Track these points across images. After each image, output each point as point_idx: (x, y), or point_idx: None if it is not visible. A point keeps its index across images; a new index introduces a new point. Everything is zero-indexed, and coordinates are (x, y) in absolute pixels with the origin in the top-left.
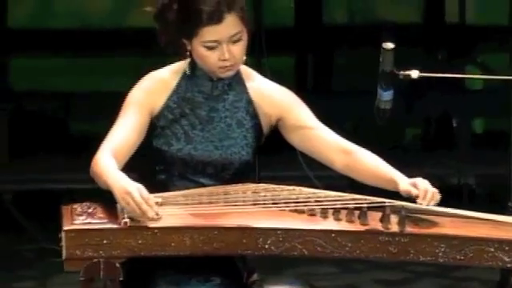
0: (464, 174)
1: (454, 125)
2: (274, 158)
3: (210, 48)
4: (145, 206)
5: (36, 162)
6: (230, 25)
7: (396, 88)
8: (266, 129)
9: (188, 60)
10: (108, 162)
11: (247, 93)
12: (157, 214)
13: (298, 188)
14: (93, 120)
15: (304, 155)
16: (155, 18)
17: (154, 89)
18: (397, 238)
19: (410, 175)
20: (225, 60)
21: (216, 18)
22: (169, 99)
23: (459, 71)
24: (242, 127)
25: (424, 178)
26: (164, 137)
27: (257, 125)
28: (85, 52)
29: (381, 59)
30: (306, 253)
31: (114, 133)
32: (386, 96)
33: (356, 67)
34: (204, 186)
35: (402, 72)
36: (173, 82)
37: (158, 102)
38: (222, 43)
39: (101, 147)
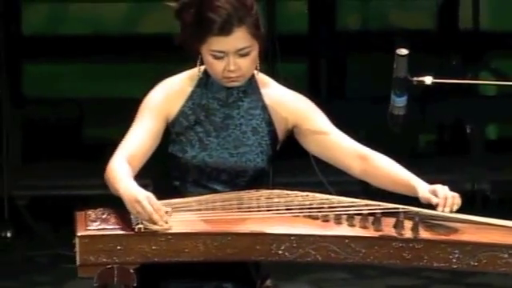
0: (478, 180)
1: (468, 131)
2: (288, 164)
3: (217, 57)
4: (155, 216)
5: (50, 167)
6: (239, 38)
7: (410, 94)
8: (281, 136)
9: (203, 67)
10: (121, 168)
11: (262, 100)
12: (166, 223)
13: (311, 194)
14: (106, 126)
15: (317, 161)
16: (176, 14)
17: (169, 95)
18: (410, 244)
19: (424, 181)
20: (229, 71)
21: (225, 30)
22: (184, 106)
23: (473, 77)
24: (257, 134)
25: (438, 183)
26: (179, 143)
27: (272, 132)
28: (98, 58)
29: (394, 65)
30: (319, 259)
31: (128, 138)
32: (399, 102)
33: (369, 73)
34: (219, 192)
35: (415, 78)
36: (188, 89)
37: (174, 108)
38: (229, 54)
39: (115, 153)
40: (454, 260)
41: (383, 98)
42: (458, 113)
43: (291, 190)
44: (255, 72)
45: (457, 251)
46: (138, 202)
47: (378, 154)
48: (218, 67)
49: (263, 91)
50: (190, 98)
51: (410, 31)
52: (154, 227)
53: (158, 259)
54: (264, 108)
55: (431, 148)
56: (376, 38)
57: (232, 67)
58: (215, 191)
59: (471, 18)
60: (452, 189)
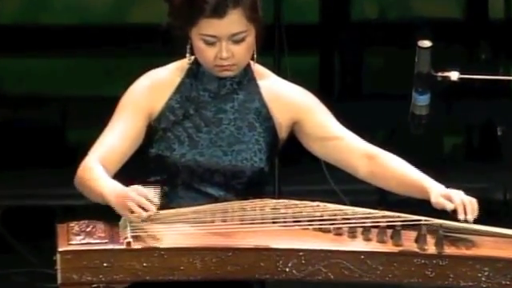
0: (510, 189)
1: (499, 133)
2: (296, 170)
3: (208, 43)
4: (145, 201)
5: (27, 174)
6: (233, 22)
7: (433, 92)
8: (282, 133)
9: (194, 57)
10: (97, 168)
11: (259, 93)
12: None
13: (322, 204)
14: (92, 128)
15: (329, 167)
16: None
17: (154, 87)
18: (434, 261)
19: (449, 189)
20: (222, 59)
21: (219, 12)
22: (171, 99)
23: (505, 73)
24: (253, 130)
25: (466, 192)
26: (165, 140)
27: (271, 128)
28: (83, 52)
29: (416, 59)
30: (331, 277)
31: (103, 138)
32: (421, 101)
33: (389, 68)
34: (212, 196)
35: (440, 73)
36: (176, 80)
37: (158, 102)
38: (222, 40)
39: (88, 155)
40: (484, 278)
41: (404, 97)
42: (488, 113)
43: (300, 200)
44: (251, 62)
45: (486, 268)
46: (125, 196)
47: (388, 153)
48: (209, 54)
49: (260, 83)
50: (178, 89)
51: (434, 21)
52: (145, 224)
53: (150, 278)
54: (261, 101)
55: (458, 152)
56: (395, 29)
57: (225, 54)
58: (209, 196)
59: (503, 6)
60: (482, 198)
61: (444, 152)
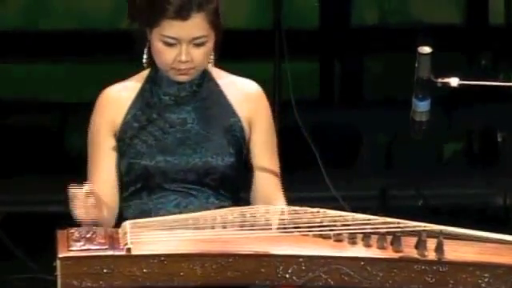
0: (510, 194)
1: (499, 139)
2: (296, 176)
3: (168, 44)
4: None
5: (27, 180)
6: (196, 26)
7: (433, 98)
8: (247, 128)
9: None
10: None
11: (220, 90)
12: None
13: (322, 210)
14: None
15: (329, 173)
16: None
17: (107, 105)
18: (434, 267)
19: (450, 195)
20: (180, 61)
21: (182, 14)
22: (131, 107)
23: (505, 79)
24: (219, 126)
25: (466, 198)
26: (133, 147)
27: (237, 123)
28: (84, 57)
29: (416, 65)
30: (331, 283)
31: (91, 177)
32: (422, 107)
33: (389, 74)
34: (191, 193)
35: (440, 79)
36: (135, 89)
37: (118, 116)
38: (182, 43)
39: None
40: (484, 285)
41: (404, 102)
42: (488, 119)
43: (300, 206)
44: (209, 65)
45: (487, 275)
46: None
47: (280, 200)
48: (167, 56)
49: (220, 81)
50: (138, 97)
51: (434, 27)
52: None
53: (150, 283)
54: (223, 98)
55: (458, 158)
56: (396, 35)
57: (184, 57)
58: (187, 193)
59: (503, 12)
60: (482, 204)
61: (444, 158)
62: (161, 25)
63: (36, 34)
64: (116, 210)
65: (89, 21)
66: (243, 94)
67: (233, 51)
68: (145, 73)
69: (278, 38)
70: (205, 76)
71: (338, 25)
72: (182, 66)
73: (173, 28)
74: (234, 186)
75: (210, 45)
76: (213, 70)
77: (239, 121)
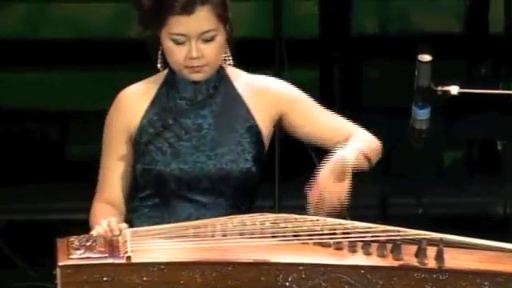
0: (510, 203)
1: (500, 147)
2: (296, 184)
3: (178, 42)
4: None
5: (28, 189)
6: (202, 20)
7: (433, 106)
8: (266, 130)
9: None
10: (102, 210)
11: (237, 94)
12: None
13: (322, 218)
14: (93, 143)
15: None
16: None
17: (125, 107)
18: (434, 275)
19: (450, 203)
20: (192, 58)
21: (187, 9)
22: (148, 111)
23: (505, 87)
24: (235, 132)
25: (466, 206)
26: (148, 154)
27: (253, 128)
28: (84, 66)
29: (416, 73)
30: None
31: (103, 180)
32: (421, 115)
33: (389, 82)
34: (203, 203)
35: (440, 88)
36: (152, 91)
37: (135, 118)
38: (191, 39)
39: (95, 197)
40: None
41: (404, 110)
42: (489, 127)
43: (300, 214)
44: (224, 66)
45: (487, 283)
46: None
47: (361, 133)
48: (179, 54)
49: (236, 84)
50: (155, 101)
51: (434, 35)
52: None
53: None
54: (240, 102)
55: (458, 166)
56: (395, 43)
57: (194, 54)
58: (199, 203)
59: (503, 20)
60: (482, 212)
61: (444, 166)
62: (169, 23)
63: (36, 42)
64: (123, 215)
65: (89, 29)
66: (257, 93)
67: (233, 60)
68: (159, 77)
69: (278, 47)
70: (222, 78)
71: (338, 33)
72: (194, 63)
73: (180, 25)
74: (250, 195)
75: (221, 39)
76: (230, 70)
77: (256, 125)
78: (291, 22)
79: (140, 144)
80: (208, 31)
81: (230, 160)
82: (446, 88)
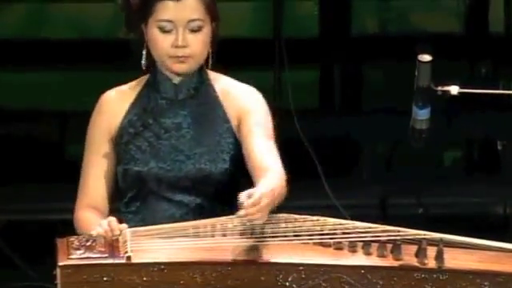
0: (510, 203)
1: (499, 147)
2: (296, 184)
3: (165, 30)
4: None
5: (27, 189)
6: (190, 7)
7: (433, 106)
8: (238, 133)
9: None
10: (89, 216)
11: (216, 96)
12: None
13: (322, 218)
14: None
15: (329, 181)
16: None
17: (106, 109)
18: (434, 275)
19: (450, 203)
20: (177, 47)
21: None
22: (129, 112)
23: (505, 87)
24: (214, 132)
25: (466, 206)
26: (128, 153)
27: (230, 129)
28: (84, 66)
29: (416, 73)
30: None
31: (86, 183)
32: (422, 115)
33: (389, 82)
34: (183, 203)
35: (440, 88)
36: (133, 93)
37: (116, 119)
38: (178, 27)
39: (77, 202)
40: None
41: (404, 111)
42: (488, 127)
43: (300, 214)
44: (206, 69)
45: (487, 283)
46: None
47: (275, 171)
48: (164, 44)
49: (216, 86)
50: (136, 102)
51: (434, 35)
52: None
53: None
54: (219, 104)
55: (458, 166)
56: (395, 43)
57: (180, 42)
58: (180, 203)
59: (503, 20)
60: (482, 212)
61: (444, 166)
62: (156, 9)
63: (36, 42)
64: (106, 214)
65: (89, 29)
66: (234, 97)
67: (233, 60)
68: (144, 78)
69: (277, 47)
70: (203, 80)
71: (338, 34)
72: (179, 53)
73: (168, 10)
74: (231, 196)
75: (207, 32)
76: (211, 73)
77: (231, 127)
78: (291, 21)
79: (120, 144)
80: (195, 20)
81: (208, 160)
82: (446, 88)
